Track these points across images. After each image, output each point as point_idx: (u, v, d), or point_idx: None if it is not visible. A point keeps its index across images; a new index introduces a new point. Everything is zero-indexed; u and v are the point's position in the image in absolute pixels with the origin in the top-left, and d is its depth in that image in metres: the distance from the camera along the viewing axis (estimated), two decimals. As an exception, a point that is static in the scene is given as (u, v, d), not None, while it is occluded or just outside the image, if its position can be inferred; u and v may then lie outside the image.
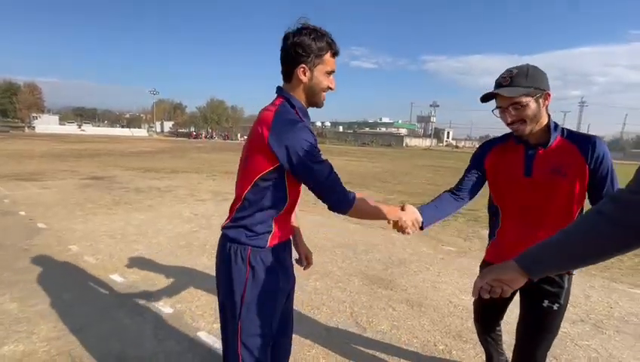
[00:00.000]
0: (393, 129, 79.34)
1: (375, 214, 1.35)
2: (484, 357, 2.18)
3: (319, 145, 1.21)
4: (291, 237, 1.43)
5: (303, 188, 1.30)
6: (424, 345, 2.29)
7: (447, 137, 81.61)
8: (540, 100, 1.32)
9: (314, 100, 1.28)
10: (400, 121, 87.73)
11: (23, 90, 56.88)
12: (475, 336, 2.41)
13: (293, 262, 1.47)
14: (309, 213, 5.40)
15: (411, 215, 1.43)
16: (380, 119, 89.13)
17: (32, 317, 2.39)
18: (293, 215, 1.41)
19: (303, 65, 1.20)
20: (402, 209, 1.43)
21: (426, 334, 2.41)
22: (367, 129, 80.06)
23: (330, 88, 1.28)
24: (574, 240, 0.82)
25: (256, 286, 1.23)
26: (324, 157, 1.19)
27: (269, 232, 1.24)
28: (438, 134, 78.44)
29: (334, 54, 1.24)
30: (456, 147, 71.62)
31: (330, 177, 1.19)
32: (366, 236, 4.71)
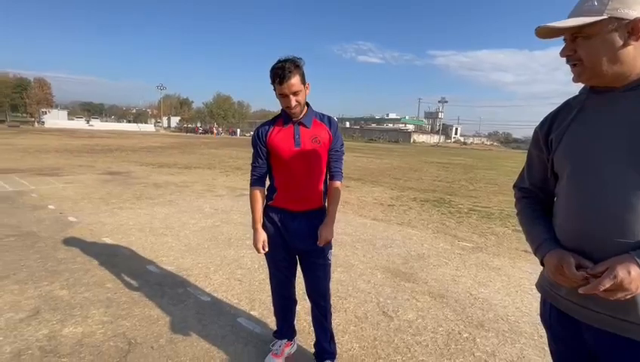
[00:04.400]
0: (400, 125, 79.03)
1: (252, 214, 1.88)
2: (506, 346, 2.33)
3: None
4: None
5: None
6: (449, 333, 2.43)
7: (456, 133, 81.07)
8: None
9: (285, 112, 1.76)
10: (407, 117, 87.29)
11: (32, 85, 57.49)
12: (498, 325, 2.56)
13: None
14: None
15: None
16: (387, 115, 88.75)
17: (83, 303, 2.58)
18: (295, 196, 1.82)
19: (274, 90, 1.70)
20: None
21: (450, 323, 2.56)
22: (374, 125, 79.89)
23: (288, 107, 1.69)
24: None
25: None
26: (253, 153, 1.84)
27: (270, 199, 1.88)
28: (446, 130, 77.95)
29: (278, 83, 1.63)
30: (465, 143, 71.24)
31: None
32: (383, 231, 4.85)
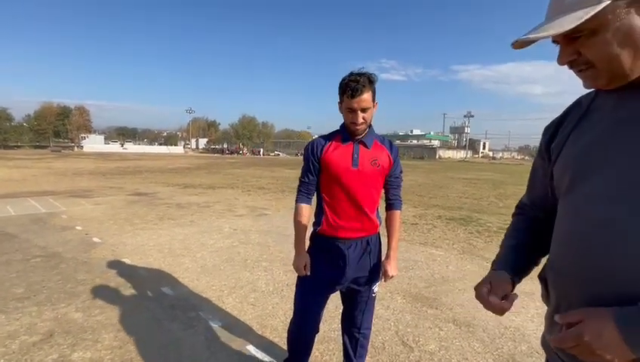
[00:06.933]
0: (425, 141, 77.98)
1: (295, 233, 1.78)
2: (543, 383, 2.07)
3: None
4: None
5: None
6: (476, 367, 2.21)
7: (484, 148, 78.79)
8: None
9: (348, 128, 1.66)
10: (432, 133, 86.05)
11: (73, 112, 61.73)
12: (532, 360, 2.30)
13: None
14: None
15: (303, 260, 1.72)
16: (412, 131, 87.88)
17: (95, 326, 2.56)
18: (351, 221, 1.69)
19: (339, 103, 1.64)
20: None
21: (477, 356, 2.33)
22: (397, 141, 79.24)
23: (353, 122, 1.60)
24: None
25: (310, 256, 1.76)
26: (303, 168, 1.73)
27: (318, 224, 1.73)
28: (473, 145, 75.96)
29: (348, 96, 1.55)
30: (494, 158, 69.00)
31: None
32: (405, 252, 4.63)
